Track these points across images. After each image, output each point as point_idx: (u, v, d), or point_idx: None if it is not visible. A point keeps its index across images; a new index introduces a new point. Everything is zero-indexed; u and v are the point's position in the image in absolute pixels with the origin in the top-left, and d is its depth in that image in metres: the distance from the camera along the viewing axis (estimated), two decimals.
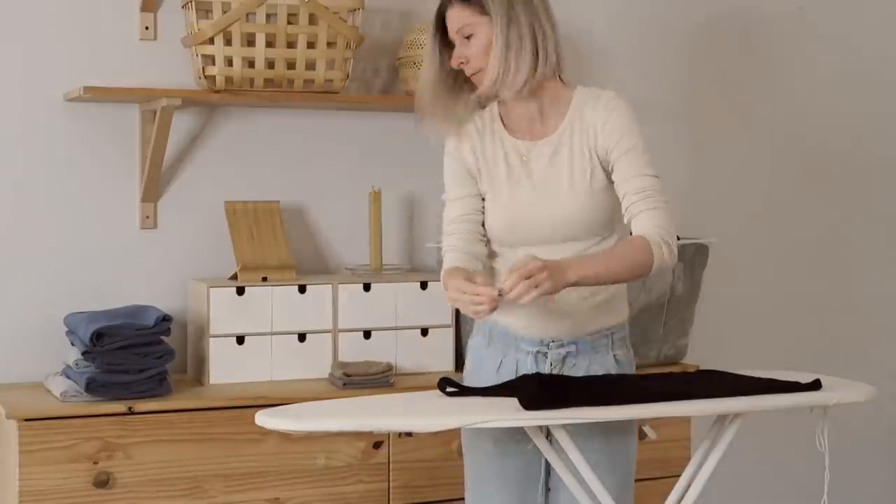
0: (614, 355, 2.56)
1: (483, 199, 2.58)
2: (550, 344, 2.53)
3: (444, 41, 2.54)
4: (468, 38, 2.47)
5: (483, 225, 2.58)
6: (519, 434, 2.48)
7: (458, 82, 2.56)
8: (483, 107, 2.59)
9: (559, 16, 2.53)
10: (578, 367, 2.54)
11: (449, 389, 2.42)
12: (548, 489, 2.59)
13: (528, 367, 2.53)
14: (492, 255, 2.60)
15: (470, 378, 2.61)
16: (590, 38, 3.66)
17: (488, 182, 2.56)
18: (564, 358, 2.53)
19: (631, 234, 2.47)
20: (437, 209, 3.51)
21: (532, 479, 2.57)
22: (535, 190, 2.52)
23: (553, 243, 2.50)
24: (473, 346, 2.65)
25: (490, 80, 2.46)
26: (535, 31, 2.46)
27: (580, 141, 2.50)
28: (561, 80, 2.56)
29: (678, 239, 2.48)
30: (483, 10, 2.45)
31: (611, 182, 2.50)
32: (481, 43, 2.46)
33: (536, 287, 2.27)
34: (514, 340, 2.56)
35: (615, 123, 2.48)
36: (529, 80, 2.46)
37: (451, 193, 2.60)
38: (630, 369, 2.59)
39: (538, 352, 2.54)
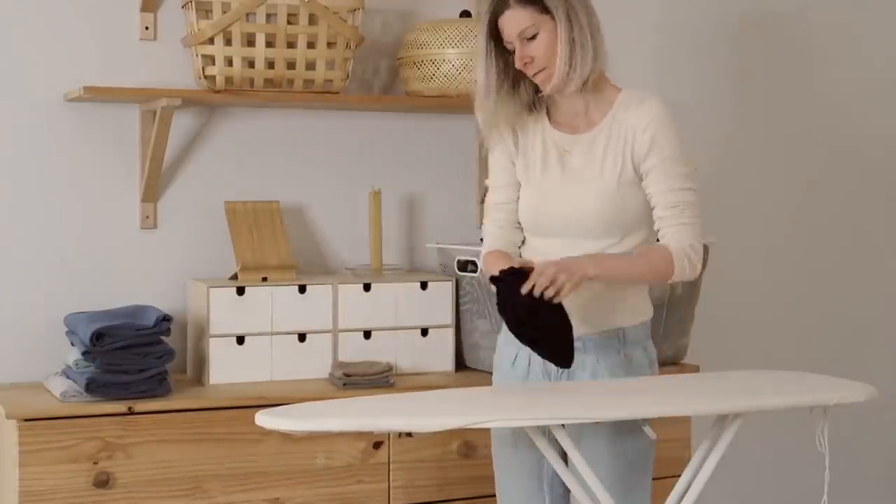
0: (625, 354, 2.57)
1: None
2: None
3: (495, 46, 2.55)
4: (531, 38, 2.49)
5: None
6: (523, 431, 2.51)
7: (515, 83, 2.58)
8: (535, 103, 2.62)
9: None
10: (586, 364, 2.55)
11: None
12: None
13: (540, 362, 2.56)
14: (523, 242, 2.66)
15: (495, 370, 2.69)
16: None
17: (524, 170, 2.61)
18: None
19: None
20: (437, 209, 3.53)
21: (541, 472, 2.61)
22: (564, 182, 2.56)
23: (572, 237, 2.53)
24: (499, 338, 2.69)
25: (558, 77, 2.49)
26: (593, 29, 2.50)
27: (616, 141, 2.53)
28: (606, 78, 2.59)
29: (705, 252, 2.51)
30: (544, 10, 2.48)
31: (639, 184, 2.53)
32: (546, 42, 2.48)
33: (558, 286, 2.34)
34: None
35: (653, 130, 2.50)
36: (590, 76, 2.51)
37: (495, 180, 2.66)
38: (645, 370, 2.60)
39: None
